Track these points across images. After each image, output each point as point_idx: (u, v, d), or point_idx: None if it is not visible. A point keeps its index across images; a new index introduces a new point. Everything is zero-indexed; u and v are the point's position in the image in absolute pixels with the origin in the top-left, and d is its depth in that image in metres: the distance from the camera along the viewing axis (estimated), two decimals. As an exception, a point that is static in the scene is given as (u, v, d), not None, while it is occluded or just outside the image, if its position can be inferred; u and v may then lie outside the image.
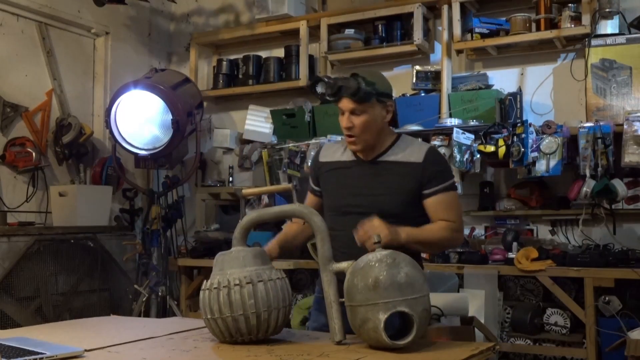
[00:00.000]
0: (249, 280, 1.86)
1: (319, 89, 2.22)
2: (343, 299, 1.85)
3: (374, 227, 1.99)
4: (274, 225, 3.92)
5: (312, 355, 1.73)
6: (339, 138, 4.09)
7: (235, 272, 1.89)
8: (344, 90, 2.18)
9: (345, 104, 2.21)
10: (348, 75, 2.23)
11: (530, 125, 3.59)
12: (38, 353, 1.71)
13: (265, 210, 2.09)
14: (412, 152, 2.26)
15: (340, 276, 1.91)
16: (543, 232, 3.96)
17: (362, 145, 2.26)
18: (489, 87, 4.04)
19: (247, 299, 1.84)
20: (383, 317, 1.72)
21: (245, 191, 2.16)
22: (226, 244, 4.39)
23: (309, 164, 2.51)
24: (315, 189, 2.44)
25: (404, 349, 1.74)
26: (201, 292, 1.94)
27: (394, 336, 1.74)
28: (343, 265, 1.90)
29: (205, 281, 1.95)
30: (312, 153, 4.02)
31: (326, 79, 2.23)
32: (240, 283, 1.86)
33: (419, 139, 2.55)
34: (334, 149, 2.41)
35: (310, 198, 2.45)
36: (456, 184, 2.46)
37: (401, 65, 4.47)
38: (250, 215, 2.06)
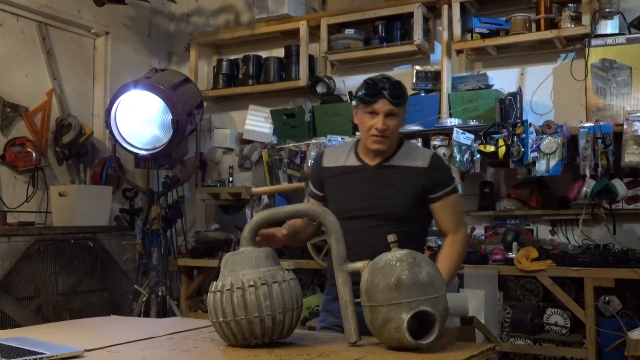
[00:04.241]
0: (263, 282, 1.79)
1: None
2: (358, 300, 1.83)
3: None
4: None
5: (312, 355, 1.73)
6: (339, 138, 4.10)
7: (248, 272, 1.81)
8: (388, 91, 2.18)
9: (383, 105, 2.19)
10: (379, 76, 2.24)
11: (530, 125, 3.59)
12: (38, 353, 1.71)
13: (277, 210, 2.01)
14: (417, 158, 2.30)
15: (354, 277, 1.88)
16: (543, 232, 3.96)
17: (387, 146, 2.27)
18: (489, 87, 4.04)
19: (262, 301, 1.77)
20: (406, 316, 1.70)
21: (254, 190, 2.11)
22: (226, 244, 4.40)
23: (310, 166, 2.49)
24: (318, 194, 2.42)
25: (405, 350, 1.74)
26: (210, 295, 1.85)
27: (412, 335, 1.72)
28: (358, 265, 1.87)
29: (213, 282, 1.87)
30: (313, 153, 4.01)
31: (369, 81, 2.22)
32: (255, 284, 1.79)
33: (420, 145, 2.58)
34: (337, 154, 2.39)
35: (311, 202, 2.43)
36: (457, 186, 2.53)
37: (401, 65, 4.47)
38: (261, 214, 1.97)
